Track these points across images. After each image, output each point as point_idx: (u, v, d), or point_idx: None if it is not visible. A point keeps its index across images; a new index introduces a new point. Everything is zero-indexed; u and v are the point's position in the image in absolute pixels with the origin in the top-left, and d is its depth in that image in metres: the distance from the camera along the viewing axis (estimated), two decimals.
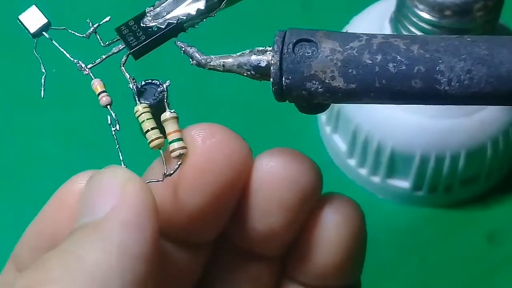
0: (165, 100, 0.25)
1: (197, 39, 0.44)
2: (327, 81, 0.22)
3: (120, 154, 0.23)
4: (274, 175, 0.25)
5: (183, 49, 0.25)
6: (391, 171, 0.38)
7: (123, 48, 0.26)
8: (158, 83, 0.25)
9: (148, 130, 0.24)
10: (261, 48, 0.24)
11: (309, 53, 0.22)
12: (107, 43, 0.26)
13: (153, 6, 0.26)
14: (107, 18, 0.26)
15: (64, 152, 0.41)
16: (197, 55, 0.25)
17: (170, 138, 0.24)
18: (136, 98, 0.25)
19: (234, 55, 0.24)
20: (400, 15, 0.35)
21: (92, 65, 0.25)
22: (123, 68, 0.25)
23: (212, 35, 0.43)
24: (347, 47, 0.21)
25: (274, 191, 0.24)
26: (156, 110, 0.25)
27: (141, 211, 0.21)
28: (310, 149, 0.41)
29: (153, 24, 0.26)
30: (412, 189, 0.39)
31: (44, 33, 0.26)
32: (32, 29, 0.25)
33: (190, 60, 0.25)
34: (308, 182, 0.25)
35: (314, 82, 0.22)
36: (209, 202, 0.24)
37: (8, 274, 0.25)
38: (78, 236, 0.21)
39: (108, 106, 0.24)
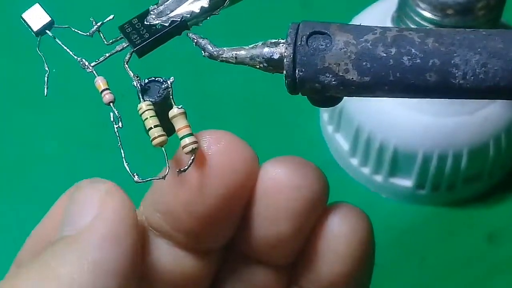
0: (171, 97, 0.25)
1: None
2: (341, 74, 0.21)
3: (122, 151, 0.23)
4: (279, 183, 0.24)
5: (195, 40, 0.25)
6: (394, 170, 0.38)
7: (127, 46, 0.26)
8: (162, 80, 0.25)
9: (151, 128, 0.23)
10: (274, 40, 0.24)
11: (322, 45, 0.22)
12: (111, 41, 0.26)
13: (156, 4, 0.26)
14: (111, 17, 0.26)
15: (66, 151, 0.41)
16: (209, 47, 0.25)
17: (180, 134, 0.24)
18: (140, 96, 0.25)
19: (247, 47, 0.24)
20: (402, 13, 0.35)
21: (96, 63, 0.25)
22: (126, 66, 0.25)
23: (215, 33, 0.44)
24: (361, 39, 0.21)
25: (280, 199, 0.24)
26: (161, 108, 0.25)
27: (119, 225, 0.21)
28: (312, 148, 0.41)
29: (157, 22, 0.26)
30: (415, 187, 0.39)
31: (47, 31, 0.26)
32: (35, 27, 0.25)
33: (202, 52, 0.25)
34: (314, 190, 0.24)
35: (328, 75, 0.22)
36: (216, 207, 0.24)
37: None
38: (56, 248, 0.22)
39: (111, 104, 0.24)
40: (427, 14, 0.34)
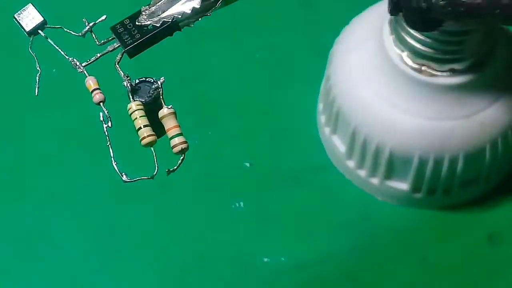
0: (161, 97, 0.25)
1: (193, 39, 0.44)
2: None
3: (111, 151, 0.23)
4: None
5: None
6: (390, 173, 0.38)
7: (118, 46, 0.26)
8: (152, 80, 0.25)
9: (140, 128, 0.24)
10: None
11: None
12: (102, 41, 0.26)
13: (148, 5, 0.26)
14: (103, 17, 0.26)
15: (63, 150, 0.41)
16: None
17: (170, 134, 0.24)
18: (130, 96, 0.25)
19: None
20: (399, 16, 0.35)
21: (87, 63, 0.26)
22: (117, 66, 0.25)
23: (215, 34, 0.44)
24: None
25: None
26: (152, 108, 0.25)
27: None
28: (309, 150, 0.41)
29: (148, 22, 0.26)
30: (411, 191, 0.38)
31: (39, 31, 0.26)
32: (28, 27, 0.26)
33: None
34: None
35: None
36: None
37: None
38: None
39: (101, 103, 0.24)
40: None
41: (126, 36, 0.26)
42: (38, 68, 0.26)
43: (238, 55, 0.43)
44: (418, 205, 0.39)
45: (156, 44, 0.26)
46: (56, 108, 0.42)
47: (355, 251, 0.39)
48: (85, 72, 0.25)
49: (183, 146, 0.24)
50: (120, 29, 0.26)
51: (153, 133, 0.24)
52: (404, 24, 0.35)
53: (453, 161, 0.37)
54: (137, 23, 0.26)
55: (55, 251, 0.38)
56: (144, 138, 0.24)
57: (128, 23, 0.26)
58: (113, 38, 0.26)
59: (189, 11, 0.26)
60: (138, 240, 0.39)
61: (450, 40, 0.34)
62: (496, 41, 0.36)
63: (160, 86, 0.25)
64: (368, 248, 0.39)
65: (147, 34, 0.26)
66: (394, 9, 0.21)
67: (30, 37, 0.26)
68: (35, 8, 0.26)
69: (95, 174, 0.39)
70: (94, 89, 0.25)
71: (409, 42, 0.35)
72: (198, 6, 0.26)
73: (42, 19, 0.26)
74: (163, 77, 0.25)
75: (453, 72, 0.35)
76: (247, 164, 0.40)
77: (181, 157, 0.24)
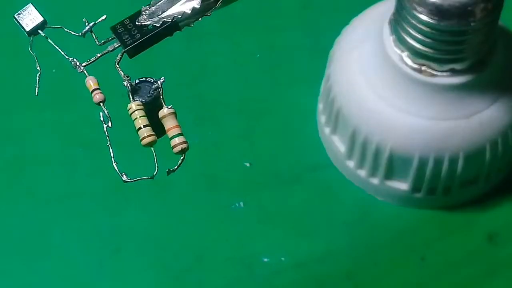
0: (161, 97, 0.25)
1: (193, 39, 0.44)
2: None
3: (111, 150, 0.23)
4: None
5: None
6: (390, 173, 0.38)
7: (118, 46, 0.26)
8: (152, 80, 0.25)
9: (140, 128, 0.24)
10: None
11: None
12: (103, 41, 0.26)
13: (148, 5, 0.26)
14: (103, 17, 0.26)
15: (61, 151, 0.41)
16: None
17: (170, 134, 0.24)
18: (130, 96, 0.25)
19: None
20: (399, 17, 0.35)
21: (87, 63, 0.26)
22: (117, 66, 0.25)
23: (215, 34, 0.44)
24: None
25: None
26: (152, 108, 0.25)
27: None
28: (309, 150, 0.41)
29: (148, 22, 0.26)
30: (411, 191, 0.38)
31: (40, 31, 0.26)
32: (28, 27, 0.26)
33: None
34: None
35: None
36: None
37: None
38: None
39: (101, 103, 0.24)
40: (424, 17, 0.34)
41: (126, 36, 0.26)
42: (38, 68, 0.26)
43: (238, 55, 0.43)
44: (418, 205, 0.39)
45: (156, 44, 0.26)
46: (56, 108, 0.42)
47: (355, 251, 0.39)
48: (85, 72, 0.25)
49: (183, 146, 0.24)
50: (120, 29, 0.26)
51: (153, 133, 0.24)
52: (405, 25, 0.35)
53: (453, 161, 0.37)
54: (137, 23, 0.26)
55: (55, 251, 0.38)
56: (144, 138, 0.24)
57: (128, 23, 0.26)
58: (113, 38, 0.26)
59: (189, 11, 0.26)
60: (138, 240, 0.39)
61: (450, 40, 0.34)
62: (496, 41, 0.36)
63: (160, 86, 0.25)
64: (368, 248, 0.39)
65: (147, 34, 0.26)
66: None
67: (30, 37, 0.26)
68: (35, 8, 0.26)
69: (95, 174, 0.39)
70: (94, 89, 0.25)
71: (409, 42, 0.35)
72: (198, 6, 0.26)
73: (42, 19, 0.26)
74: (163, 77, 0.25)
75: (453, 72, 0.35)
76: (247, 164, 0.40)
77: (181, 157, 0.24)
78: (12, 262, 0.38)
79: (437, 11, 0.33)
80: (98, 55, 0.26)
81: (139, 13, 0.26)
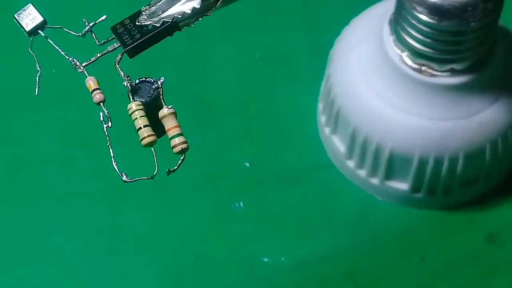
0: (161, 97, 0.25)
1: (193, 39, 0.44)
2: None
3: (111, 150, 0.23)
4: None
5: None
6: (390, 173, 0.38)
7: (118, 46, 0.26)
8: (152, 80, 0.25)
9: (140, 128, 0.24)
10: None
11: None
12: (103, 41, 0.26)
13: (148, 5, 0.26)
14: (103, 17, 0.26)
15: (61, 151, 0.41)
16: None
17: (170, 134, 0.24)
18: (130, 96, 0.25)
19: None
20: (399, 17, 0.35)
21: (87, 63, 0.26)
22: (117, 66, 0.25)
23: (215, 34, 0.44)
24: None
25: None
26: (152, 108, 0.25)
27: None
28: (309, 150, 0.41)
29: (149, 23, 0.26)
30: (411, 191, 0.38)
31: (40, 31, 0.26)
32: (28, 27, 0.26)
33: None
34: None
35: None
36: None
37: None
38: None
39: (101, 104, 0.24)
40: (424, 17, 0.34)
41: (126, 36, 0.26)
42: (38, 68, 0.26)
43: (238, 55, 0.43)
44: (418, 205, 0.39)
45: (156, 44, 0.26)
46: (56, 108, 0.42)
47: (355, 251, 0.39)
48: (85, 72, 0.25)
49: (184, 146, 0.24)
50: (120, 29, 0.26)
51: (153, 133, 0.24)
52: (405, 25, 0.35)
53: (453, 161, 0.37)
54: (137, 23, 0.26)
55: (55, 251, 0.38)
56: (144, 138, 0.24)
57: (128, 23, 0.26)
58: (113, 38, 0.26)
59: (189, 11, 0.26)
60: (138, 240, 0.39)
61: (450, 40, 0.34)
62: (496, 41, 0.36)
63: (160, 86, 0.25)
64: (368, 248, 0.39)
65: (147, 34, 0.26)
66: None
67: (30, 37, 0.26)
68: (35, 8, 0.26)
69: (95, 174, 0.39)
70: (94, 89, 0.25)
71: (409, 42, 0.35)
72: (198, 6, 0.26)
73: (42, 19, 0.26)
74: (163, 77, 0.25)
75: (453, 72, 0.35)
76: (247, 164, 0.40)
77: (181, 157, 0.24)
78: (12, 262, 0.38)
79: (437, 11, 0.33)
80: (98, 55, 0.26)
81: (139, 13, 0.26)
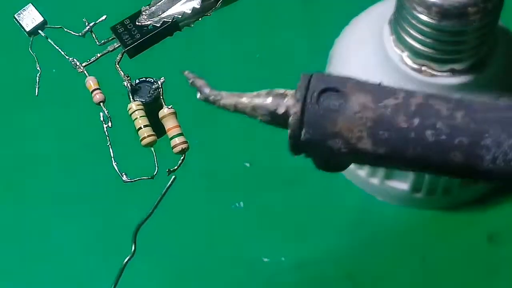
0: (161, 97, 0.25)
1: (193, 39, 0.44)
2: (353, 142, 0.19)
3: (111, 150, 0.24)
4: None
5: (191, 80, 0.22)
6: (390, 173, 0.38)
7: (118, 46, 0.26)
8: (152, 80, 0.25)
9: (140, 128, 0.24)
10: (280, 91, 0.21)
11: (335, 105, 0.19)
12: (103, 41, 0.26)
13: (148, 5, 0.26)
14: (103, 17, 0.26)
15: (61, 151, 0.41)
16: (206, 89, 0.22)
17: (170, 134, 0.25)
18: (130, 96, 0.25)
19: (249, 94, 0.21)
20: (399, 17, 0.35)
21: (87, 63, 0.26)
22: (118, 66, 0.25)
23: (215, 33, 0.44)
24: (380, 104, 0.19)
25: None
26: (152, 108, 0.25)
27: None
28: None
29: (149, 22, 0.26)
30: (411, 191, 0.38)
31: (40, 31, 0.26)
32: (28, 27, 0.26)
33: (198, 93, 0.22)
34: None
35: (338, 141, 0.19)
36: None
37: None
38: None
39: (101, 104, 0.24)
40: (423, 17, 0.34)
41: (126, 36, 0.26)
42: (38, 68, 0.26)
43: (238, 55, 0.43)
44: (418, 205, 0.39)
45: (156, 44, 0.26)
46: (56, 108, 0.42)
47: (355, 251, 0.39)
48: (85, 72, 0.25)
49: (184, 146, 0.24)
50: (120, 29, 0.26)
51: (153, 133, 0.24)
52: (405, 25, 0.35)
53: None
54: (137, 23, 0.26)
55: (55, 251, 0.38)
56: (144, 138, 0.24)
57: (128, 23, 0.26)
58: (113, 38, 0.26)
59: (189, 11, 0.26)
60: (138, 240, 0.39)
61: (450, 40, 0.34)
62: (496, 41, 0.36)
63: (160, 86, 0.25)
64: (368, 248, 0.39)
65: (147, 34, 0.26)
66: (294, 150, 0.21)
67: (30, 37, 0.26)
68: (35, 8, 0.26)
69: (95, 174, 0.39)
70: (94, 89, 0.25)
71: (409, 43, 0.35)
72: (198, 6, 0.26)
73: (42, 19, 0.26)
74: (163, 77, 0.25)
75: (453, 72, 0.35)
76: (247, 164, 0.40)
77: (181, 157, 0.24)
78: (12, 262, 0.38)
79: (437, 11, 0.33)
80: (98, 55, 0.26)
81: (139, 13, 0.26)
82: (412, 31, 0.34)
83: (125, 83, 0.25)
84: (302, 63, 0.43)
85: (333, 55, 0.39)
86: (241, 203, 0.39)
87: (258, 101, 0.21)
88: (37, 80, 0.25)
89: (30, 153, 0.41)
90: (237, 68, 0.43)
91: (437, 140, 0.18)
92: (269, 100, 0.21)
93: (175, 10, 0.26)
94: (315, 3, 0.45)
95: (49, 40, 0.26)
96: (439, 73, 0.35)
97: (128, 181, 0.24)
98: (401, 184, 0.39)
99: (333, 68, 0.39)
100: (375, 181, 0.39)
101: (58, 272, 0.38)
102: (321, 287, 0.38)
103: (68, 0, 0.43)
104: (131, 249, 0.24)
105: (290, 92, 0.21)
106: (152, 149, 0.24)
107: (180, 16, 0.26)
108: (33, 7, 0.26)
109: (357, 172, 0.39)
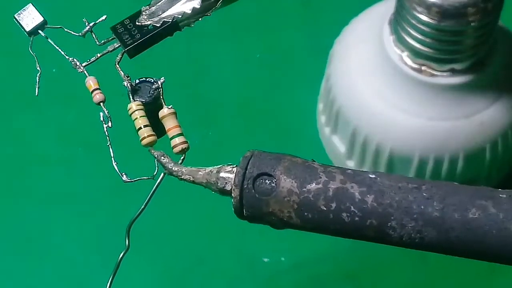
0: (161, 97, 0.25)
1: (193, 39, 0.44)
2: (285, 219, 0.23)
3: (111, 150, 0.24)
4: None
5: (157, 158, 0.25)
6: (390, 173, 0.38)
7: (118, 46, 0.26)
8: (152, 80, 0.25)
9: (140, 128, 0.24)
10: (229, 168, 0.24)
11: (268, 189, 0.23)
12: (103, 41, 0.26)
13: (149, 5, 0.26)
14: (103, 17, 0.26)
15: (61, 151, 0.41)
16: (170, 165, 0.24)
17: (170, 134, 0.25)
18: (130, 96, 0.25)
19: (204, 170, 0.24)
20: (399, 17, 0.35)
21: (87, 63, 0.26)
22: (118, 66, 0.25)
23: (215, 33, 0.44)
24: (304, 189, 0.22)
25: None
26: (152, 108, 0.25)
27: None
28: (309, 150, 0.41)
29: (149, 22, 0.26)
30: None
31: (40, 31, 0.26)
32: (28, 27, 0.26)
33: (164, 169, 0.25)
34: None
35: (273, 218, 0.23)
36: None
37: None
38: None
39: (101, 104, 0.24)
40: (423, 17, 0.34)
41: (126, 36, 0.26)
42: (38, 68, 0.26)
43: (238, 55, 0.43)
44: None
45: (156, 44, 0.26)
46: (56, 108, 0.42)
47: (355, 251, 0.39)
48: (85, 72, 0.25)
49: (184, 146, 0.24)
50: (120, 29, 0.26)
51: (153, 133, 0.24)
52: (405, 25, 0.35)
53: (453, 161, 0.37)
54: (137, 23, 0.26)
55: (55, 251, 0.38)
56: (144, 138, 0.24)
57: (128, 23, 0.26)
58: (113, 38, 0.26)
59: (189, 11, 0.26)
60: (138, 240, 0.39)
61: (450, 40, 0.34)
62: (496, 41, 0.36)
63: (160, 86, 0.25)
64: (368, 248, 0.38)
65: (147, 34, 0.26)
66: (242, 219, 0.25)
67: (30, 37, 0.26)
68: (35, 8, 0.26)
69: (95, 174, 0.39)
70: (94, 89, 0.25)
71: (409, 42, 0.35)
72: (198, 6, 0.26)
73: (42, 19, 0.26)
74: (163, 77, 0.25)
75: (453, 72, 0.35)
76: None
77: (182, 157, 0.24)
78: (12, 262, 0.38)
79: (437, 11, 0.33)
80: (98, 55, 0.26)
81: (139, 13, 0.26)
82: (412, 31, 0.34)
83: (125, 83, 0.25)
84: (302, 63, 0.43)
85: (333, 55, 0.39)
86: None
87: (210, 177, 0.24)
88: (37, 80, 0.25)
89: (30, 153, 0.41)
90: (237, 68, 0.43)
91: (352, 220, 0.22)
92: (219, 177, 0.24)
93: (175, 10, 0.26)
94: (315, 3, 0.45)
95: (49, 40, 0.26)
96: (439, 73, 0.35)
97: (128, 181, 0.24)
98: None
99: (333, 68, 0.39)
100: None
101: (58, 271, 0.38)
102: (321, 287, 0.38)
103: (68, 0, 0.43)
104: (125, 244, 0.25)
105: (236, 169, 0.24)
106: (152, 149, 0.24)
107: (180, 16, 0.26)
108: (33, 7, 0.26)
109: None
